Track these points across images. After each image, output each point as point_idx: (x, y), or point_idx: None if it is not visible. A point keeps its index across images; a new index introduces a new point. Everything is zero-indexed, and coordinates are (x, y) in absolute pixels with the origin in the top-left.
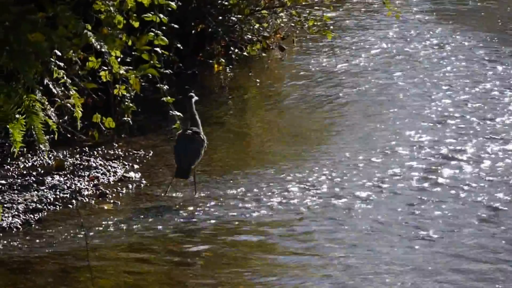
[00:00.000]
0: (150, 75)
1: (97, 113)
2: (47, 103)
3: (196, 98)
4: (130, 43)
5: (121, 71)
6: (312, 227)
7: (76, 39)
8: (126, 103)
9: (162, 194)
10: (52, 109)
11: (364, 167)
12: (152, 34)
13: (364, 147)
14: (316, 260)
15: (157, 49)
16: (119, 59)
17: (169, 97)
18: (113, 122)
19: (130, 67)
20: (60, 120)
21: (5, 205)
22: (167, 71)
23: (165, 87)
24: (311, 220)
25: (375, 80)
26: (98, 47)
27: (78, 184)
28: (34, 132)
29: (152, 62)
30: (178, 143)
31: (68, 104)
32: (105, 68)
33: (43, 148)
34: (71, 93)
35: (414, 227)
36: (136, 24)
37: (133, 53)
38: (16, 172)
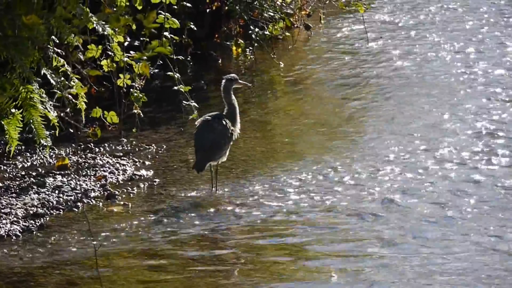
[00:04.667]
0: (160, 61)
1: (97, 107)
2: (45, 95)
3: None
4: (134, 27)
5: (125, 59)
6: (345, 226)
7: (75, 20)
8: (136, 93)
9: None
10: (51, 102)
11: (400, 158)
12: (162, 16)
13: (399, 136)
14: (351, 261)
15: (166, 33)
16: (125, 44)
17: (182, 85)
18: (116, 117)
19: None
20: (62, 114)
21: (2, 210)
22: (178, 57)
23: (177, 75)
24: (344, 218)
25: (412, 60)
26: (100, 29)
27: (84, 185)
28: (33, 127)
29: (163, 42)
30: (197, 132)
31: (69, 95)
32: (109, 54)
33: (45, 143)
34: (72, 83)
35: (464, 225)
36: (140, 6)
37: (141, 39)
38: (14, 173)
